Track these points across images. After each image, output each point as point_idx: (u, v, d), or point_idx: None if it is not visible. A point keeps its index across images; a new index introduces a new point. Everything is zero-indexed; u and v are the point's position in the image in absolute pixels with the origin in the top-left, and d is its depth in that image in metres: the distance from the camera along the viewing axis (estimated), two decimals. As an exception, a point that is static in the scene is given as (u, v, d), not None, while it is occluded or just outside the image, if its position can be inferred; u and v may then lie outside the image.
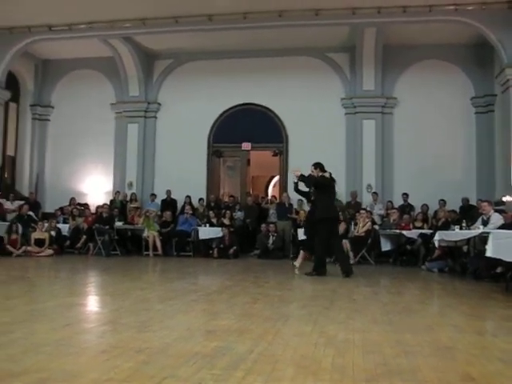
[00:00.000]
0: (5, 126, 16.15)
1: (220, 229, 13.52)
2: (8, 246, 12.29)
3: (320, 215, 8.85)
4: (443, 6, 12.59)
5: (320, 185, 8.98)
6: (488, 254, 7.24)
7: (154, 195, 15.62)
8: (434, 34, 14.27)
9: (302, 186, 9.23)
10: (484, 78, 14.75)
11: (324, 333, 4.09)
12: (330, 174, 9.19)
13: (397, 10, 12.77)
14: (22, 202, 14.58)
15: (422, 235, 12.00)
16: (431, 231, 11.84)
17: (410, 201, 14.18)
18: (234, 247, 13.09)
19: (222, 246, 13.19)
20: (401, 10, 12.73)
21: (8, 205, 14.68)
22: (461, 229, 9.87)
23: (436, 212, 13.49)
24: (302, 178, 8.92)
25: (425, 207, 13.82)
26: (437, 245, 10.22)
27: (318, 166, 9.16)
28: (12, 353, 3.24)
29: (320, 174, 9.04)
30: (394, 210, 13.33)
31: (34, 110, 17.28)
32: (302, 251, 9.67)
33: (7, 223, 13.13)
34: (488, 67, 14.63)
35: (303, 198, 11.09)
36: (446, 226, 11.52)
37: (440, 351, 3.61)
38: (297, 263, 9.32)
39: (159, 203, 15.54)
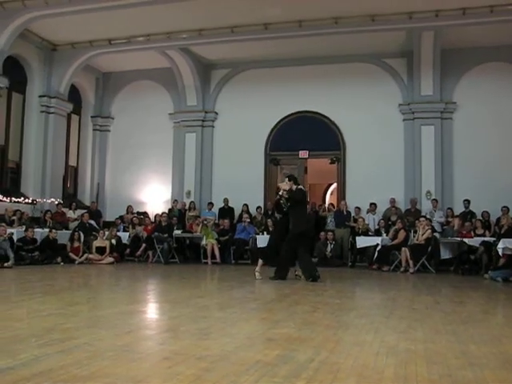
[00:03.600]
0: (67, 137, 16.63)
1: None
2: (70, 254, 12.62)
3: (298, 229, 8.85)
4: (505, 6, 12.16)
5: (299, 198, 8.97)
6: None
7: (211, 204, 15.68)
8: (495, 36, 13.86)
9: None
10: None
11: (385, 342, 4.03)
12: (302, 187, 9.27)
13: (456, 12, 12.47)
14: (84, 211, 14.99)
15: (484, 243, 11.63)
16: (494, 239, 11.50)
17: (471, 207, 13.80)
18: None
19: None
20: (460, 12, 12.43)
21: (70, 214, 15.10)
22: (526, 236, 9.59)
23: (499, 219, 13.06)
24: (289, 192, 8.89)
25: (486, 214, 13.39)
26: (501, 253, 9.94)
27: (292, 178, 9.18)
28: (78, 358, 3.31)
29: (296, 187, 9.01)
30: (456, 218, 12.99)
31: (94, 121, 17.76)
32: (260, 259, 9.64)
33: (70, 232, 13.51)
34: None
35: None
36: (509, 234, 11.15)
37: (508, 364, 3.48)
38: (257, 270, 9.33)
39: (216, 212, 15.63)
